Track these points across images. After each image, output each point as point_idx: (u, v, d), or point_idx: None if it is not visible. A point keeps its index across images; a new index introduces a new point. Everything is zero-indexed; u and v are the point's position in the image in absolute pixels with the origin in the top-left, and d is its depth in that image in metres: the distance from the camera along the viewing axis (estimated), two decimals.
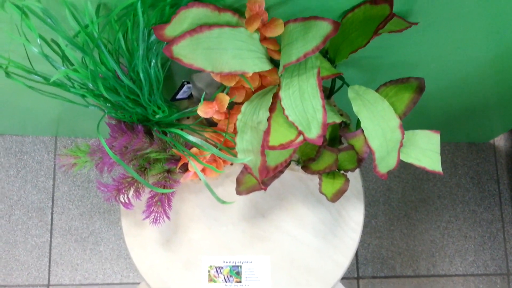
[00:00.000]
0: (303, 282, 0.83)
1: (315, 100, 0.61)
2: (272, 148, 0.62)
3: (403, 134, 0.69)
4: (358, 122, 0.68)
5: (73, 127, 1.31)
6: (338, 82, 0.92)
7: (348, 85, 0.70)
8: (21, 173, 1.41)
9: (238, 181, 0.74)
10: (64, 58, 0.65)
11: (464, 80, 0.95)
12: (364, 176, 1.48)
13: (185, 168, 0.81)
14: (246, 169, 0.66)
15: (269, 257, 0.84)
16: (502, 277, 1.46)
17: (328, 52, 0.70)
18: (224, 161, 0.80)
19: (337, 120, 0.66)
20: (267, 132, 0.62)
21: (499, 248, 1.48)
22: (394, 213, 1.47)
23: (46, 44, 0.64)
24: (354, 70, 0.88)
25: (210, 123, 0.80)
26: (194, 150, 0.76)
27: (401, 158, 0.71)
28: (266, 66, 0.64)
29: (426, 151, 0.73)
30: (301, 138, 0.62)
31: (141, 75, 0.65)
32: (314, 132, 0.61)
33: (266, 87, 0.69)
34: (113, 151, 0.74)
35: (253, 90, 0.69)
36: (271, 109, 0.64)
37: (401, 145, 0.70)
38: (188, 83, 0.75)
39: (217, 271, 0.83)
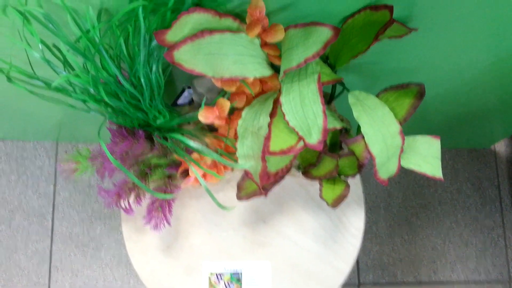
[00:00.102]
0: None
1: (316, 105, 0.61)
2: (273, 153, 0.62)
3: (403, 139, 0.69)
4: (359, 127, 0.68)
5: (74, 132, 1.31)
6: (339, 88, 0.92)
7: (348, 91, 0.70)
8: (22, 178, 1.41)
9: (239, 187, 0.74)
10: (66, 63, 0.65)
11: (464, 86, 0.95)
12: (364, 182, 1.48)
13: (185, 173, 0.81)
14: (246, 174, 0.66)
15: (270, 263, 0.84)
16: (503, 284, 1.46)
17: (329, 58, 0.70)
18: (225, 167, 0.80)
19: (338, 125, 0.66)
20: (267, 138, 0.62)
21: (501, 255, 1.47)
22: (395, 219, 1.47)
23: (47, 49, 0.64)
24: (355, 76, 0.88)
25: (211, 129, 0.81)
26: (194, 155, 0.76)
27: (401, 164, 0.71)
28: (266, 72, 0.64)
29: (426, 157, 0.73)
30: (301, 143, 0.62)
31: (142, 80, 0.65)
32: (314, 138, 0.61)
33: (267, 92, 0.69)
34: (114, 156, 0.74)
35: (253, 95, 0.69)
36: (272, 115, 0.64)
37: (402, 151, 0.70)
38: (189, 88, 0.75)
39: (217, 278, 0.83)
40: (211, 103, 0.74)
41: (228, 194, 0.86)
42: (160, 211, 0.79)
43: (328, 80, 0.64)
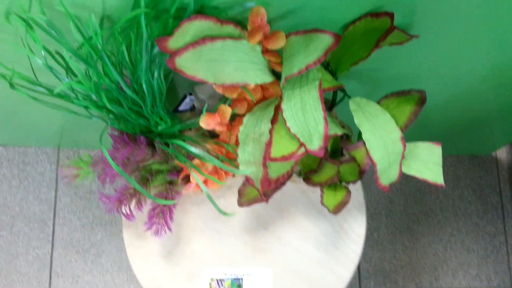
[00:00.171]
0: None
1: (317, 112, 0.61)
2: (274, 159, 0.62)
3: (404, 146, 0.69)
4: (360, 134, 0.68)
5: (76, 138, 1.31)
6: (340, 94, 0.92)
7: (349, 97, 0.70)
8: (23, 184, 1.41)
9: (240, 193, 0.74)
10: (68, 69, 0.65)
11: (465, 92, 0.95)
12: (366, 189, 1.48)
13: (187, 179, 0.81)
14: (248, 180, 0.66)
15: (271, 269, 0.83)
16: None
17: (330, 65, 0.70)
18: (226, 173, 0.80)
19: (339, 132, 0.66)
20: (269, 144, 0.63)
21: (502, 262, 1.47)
22: (396, 226, 1.46)
23: (50, 56, 0.65)
24: (356, 82, 0.89)
25: (212, 135, 0.81)
26: (196, 161, 0.76)
27: (403, 170, 0.71)
28: (268, 78, 0.64)
29: (428, 163, 0.73)
30: (302, 150, 0.62)
31: (144, 86, 0.65)
32: (315, 144, 0.61)
33: (268, 99, 0.69)
34: (116, 162, 0.74)
35: (255, 102, 0.69)
36: (273, 121, 0.64)
37: (403, 157, 0.70)
38: (191, 94, 0.76)
39: (218, 284, 0.83)
40: (212, 110, 0.74)
41: (229, 200, 0.86)
42: (161, 217, 0.79)
43: (329, 86, 0.64)
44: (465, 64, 0.82)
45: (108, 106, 0.63)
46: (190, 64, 0.59)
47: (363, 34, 0.65)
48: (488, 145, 1.41)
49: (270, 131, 0.63)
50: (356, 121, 0.67)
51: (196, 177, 0.72)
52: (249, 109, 0.70)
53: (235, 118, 0.73)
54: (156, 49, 0.63)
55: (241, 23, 0.64)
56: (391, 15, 0.62)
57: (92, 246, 1.38)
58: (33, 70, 0.74)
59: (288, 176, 0.67)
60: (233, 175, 0.85)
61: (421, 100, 0.70)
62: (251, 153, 0.65)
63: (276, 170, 0.66)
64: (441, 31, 0.71)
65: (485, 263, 1.46)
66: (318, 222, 0.85)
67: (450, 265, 1.45)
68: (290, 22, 0.66)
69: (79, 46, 0.61)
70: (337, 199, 0.75)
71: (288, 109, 0.62)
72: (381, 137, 0.68)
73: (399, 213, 1.47)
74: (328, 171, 0.72)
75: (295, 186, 0.87)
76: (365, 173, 0.71)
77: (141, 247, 0.84)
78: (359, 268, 1.43)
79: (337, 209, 0.74)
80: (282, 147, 0.63)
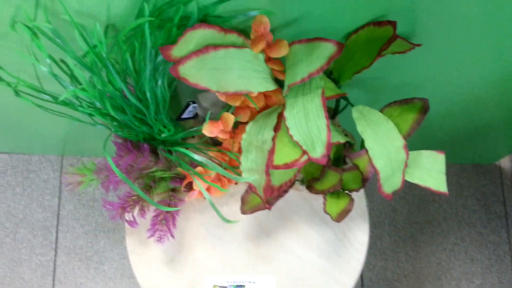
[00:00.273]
0: None
1: (320, 120, 0.62)
2: (277, 167, 0.62)
3: (407, 154, 0.69)
4: (363, 142, 0.68)
5: (79, 146, 1.32)
6: (343, 103, 0.92)
7: (352, 105, 0.70)
8: (27, 191, 1.41)
9: (243, 200, 0.74)
10: (73, 77, 0.66)
11: (468, 101, 0.95)
12: (369, 197, 1.48)
13: (190, 186, 0.81)
14: (250, 188, 0.67)
15: (274, 277, 0.83)
16: None
17: (332, 73, 0.70)
18: (229, 180, 0.80)
19: (342, 140, 0.66)
20: (271, 152, 0.63)
21: (507, 271, 1.46)
22: (400, 235, 1.46)
23: (55, 64, 0.65)
24: (358, 91, 0.89)
25: (215, 142, 0.81)
26: (199, 169, 0.76)
27: (406, 178, 0.71)
28: (271, 86, 0.65)
29: (431, 171, 0.73)
30: (305, 157, 0.62)
31: (148, 94, 0.65)
32: (318, 152, 0.61)
33: (271, 106, 0.70)
34: (119, 169, 0.74)
35: (258, 109, 0.70)
36: (276, 129, 0.64)
37: (406, 165, 0.70)
38: (194, 102, 0.76)
39: None
40: (215, 117, 0.75)
41: (232, 208, 0.86)
42: (164, 224, 0.79)
43: (332, 94, 0.65)
44: (468, 73, 0.82)
45: (112, 113, 0.64)
46: (193, 72, 0.60)
47: (365, 43, 0.65)
48: (492, 154, 1.41)
49: (273, 139, 0.64)
50: (359, 129, 0.67)
51: (199, 185, 0.72)
52: (252, 117, 0.71)
53: (238, 126, 0.73)
54: (160, 58, 0.63)
55: (244, 32, 0.65)
56: (393, 24, 0.63)
57: (95, 253, 1.38)
58: (38, 78, 0.74)
59: (290, 184, 0.67)
60: (236, 183, 0.85)
61: (424, 108, 0.70)
62: (254, 160, 0.65)
63: (279, 177, 0.67)
64: (444, 40, 0.71)
65: (489, 272, 1.45)
66: (321, 230, 0.85)
67: (453, 274, 1.44)
68: (293, 30, 0.66)
69: (83, 54, 0.61)
70: (340, 207, 0.75)
71: (291, 117, 0.63)
72: (384, 145, 0.68)
73: (402, 221, 1.47)
74: (331, 179, 0.72)
75: (298, 194, 0.87)
76: (368, 181, 0.71)
77: (144, 254, 0.84)
78: (362, 276, 1.43)
79: (340, 217, 0.74)
80: (285, 154, 0.63)
